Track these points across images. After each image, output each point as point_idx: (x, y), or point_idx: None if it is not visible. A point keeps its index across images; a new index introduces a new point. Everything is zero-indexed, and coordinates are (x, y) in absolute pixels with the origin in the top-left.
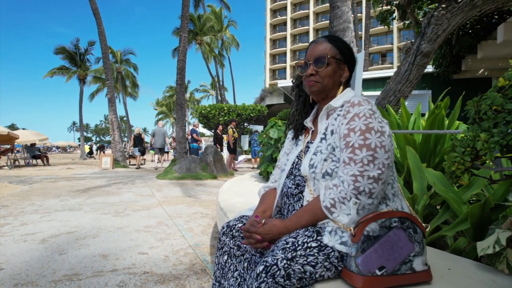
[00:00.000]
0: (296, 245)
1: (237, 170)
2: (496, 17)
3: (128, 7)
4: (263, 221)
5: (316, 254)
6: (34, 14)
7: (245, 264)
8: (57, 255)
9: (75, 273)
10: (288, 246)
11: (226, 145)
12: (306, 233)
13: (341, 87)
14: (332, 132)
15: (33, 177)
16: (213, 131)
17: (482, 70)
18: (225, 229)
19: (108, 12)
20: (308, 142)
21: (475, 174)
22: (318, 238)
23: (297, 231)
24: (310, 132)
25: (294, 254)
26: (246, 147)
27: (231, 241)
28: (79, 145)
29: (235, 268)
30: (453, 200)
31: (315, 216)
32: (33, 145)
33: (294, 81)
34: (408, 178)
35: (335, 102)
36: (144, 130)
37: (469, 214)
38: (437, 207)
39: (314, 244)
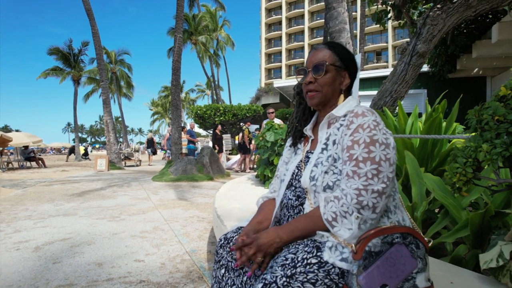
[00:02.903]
0: (296, 261)
1: (246, 171)
2: (490, 16)
3: (122, 7)
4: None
5: (316, 270)
6: (27, 14)
7: (244, 279)
8: (51, 264)
9: (69, 283)
10: (288, 262)
11: (235, 145)
12: (306, 248)
13: (342, 95)
14: (334, 142)
15: (27, 181)
16: (211, 130)
17: (476, 69)
18: (222, 242)
19: (102, 12)
20: (307, 152)
21: (476, 184)
22: (318, 254)
23: (297, 246)
24: (310, 140)
25: (294, 271)
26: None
27: (229, 254)
28: (74, 146)
29: (232, 282)
30: (452, 206)
31: (315, 224)
32: (26, 147)
33: (295, 88)
34: (406, 182)
35: (338, 111)
36: (140, 130)
37: (469, 222)
38: (436, 211)
39: (314, 261)
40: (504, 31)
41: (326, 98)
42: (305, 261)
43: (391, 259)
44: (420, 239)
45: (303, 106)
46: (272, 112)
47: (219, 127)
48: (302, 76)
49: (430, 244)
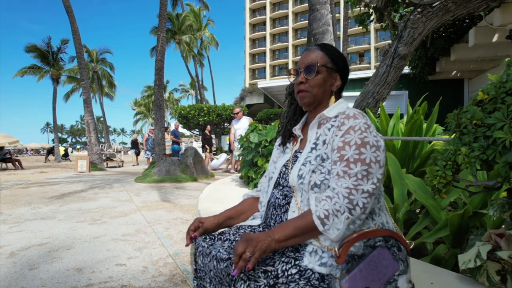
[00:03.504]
0: (277, 274)
1: (230, 171)
2: (468, 21)
3: (103, 4)
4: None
5: (297, 280)
6: (2, 10)
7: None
8: (27, 270)
9: None
10: (268, 275)
11: (219, 145)
12: (283, 259)
13: (333, 97)
14: (324, 142)
15: (2, 183)
16: (195, 131)
17: (455, 72)
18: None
19: (83, 9)
20: (296, 151)
21: (455, 186)
22: (297, 262)
23: (273, 257)
24: (299, 140)
25: (276, 281)
26: (226, 147)
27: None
28: (53, 146)
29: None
30: (433, 206)
31: (305, 221)
32: (1, 148)
33: (287, 88)
34: (388, 183)
35: (329, 112)
36: (122, 130)
37: (449, 223)
38: (417, 211)
39: (294, 270)
40: (480, 36)
41: (316, 99)
42: (286, 273)
43: (374, 262)
44: (402, 241)
45: (294, 106)
46: (238, 113)
47: (208, 127)
48: (294, 76)
49: (411, 247)
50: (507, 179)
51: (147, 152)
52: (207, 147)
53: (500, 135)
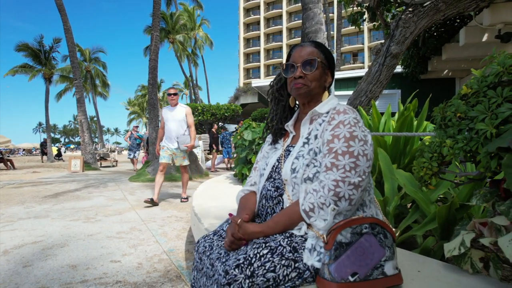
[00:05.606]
0: (278, 280)
1: (218, 170)
2: (458, 21)
3: (96, 3)
4: (238, 221)
5: (295, 282)
6: None
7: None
8: (21, 267)
9: (40, 286)
10: (270, 284)
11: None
12: (283, 262)
13: (326, 92)
14: (316, 137)
15: None
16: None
17: (446, 71)
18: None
19: (75, 8)
20: (288, 146)
21: (441, 178)
22: (296, 265)
23: (272, 259)
24: (291, 136)
25: None
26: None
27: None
28: (45, 140)
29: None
30: (422, 200)
31: (291, 221)
32: None
33: (273, 84)
34: (379, 179)
35: (321, 108)
36: (116, 130)
37: (437, 215)
38: (408, 206)
39: (294, 274)
40: (470, 35)
41: (312, 92)
42: (286, 278)
43: (361, 248)
44: (387, 229)
45: (283, 103)
46: (171, 94)
47: (215, 126)
48: (284, 70)
49: (397, 234)
50: (489, 169)
51: (130, 152)
52: (215, 146)
53: (482, 126)
